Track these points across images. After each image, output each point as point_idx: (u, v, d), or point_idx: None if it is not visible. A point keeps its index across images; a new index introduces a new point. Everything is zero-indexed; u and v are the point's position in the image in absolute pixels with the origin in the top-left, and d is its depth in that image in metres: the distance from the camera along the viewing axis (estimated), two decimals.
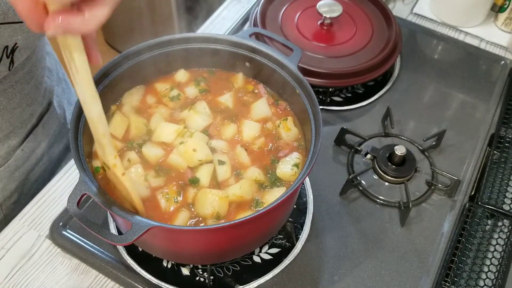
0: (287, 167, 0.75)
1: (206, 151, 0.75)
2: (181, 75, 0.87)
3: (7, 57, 0.75)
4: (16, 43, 0.75)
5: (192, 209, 0.72)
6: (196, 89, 0.86)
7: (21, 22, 0.73)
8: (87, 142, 0.71)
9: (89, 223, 0.60)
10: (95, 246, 0.83)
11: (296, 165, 0.75)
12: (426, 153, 1.00)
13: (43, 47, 0.96)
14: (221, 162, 0.75)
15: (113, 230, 0.86)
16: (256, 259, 0.83)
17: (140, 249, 0.82)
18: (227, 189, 0.73)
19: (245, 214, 0.71)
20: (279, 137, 0.80)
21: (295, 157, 0.76)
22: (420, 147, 1.00)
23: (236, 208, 0.72)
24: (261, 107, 0.83)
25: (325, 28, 1.13)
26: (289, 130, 0.80)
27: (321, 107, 0.76)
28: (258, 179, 0.75)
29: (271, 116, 0.83)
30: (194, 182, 0.74)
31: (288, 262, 0.83)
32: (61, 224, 0.85)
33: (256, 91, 0.86)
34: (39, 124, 0.95)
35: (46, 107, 0.97)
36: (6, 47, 0.74)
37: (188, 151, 0.75)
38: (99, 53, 0.53)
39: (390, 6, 1.30)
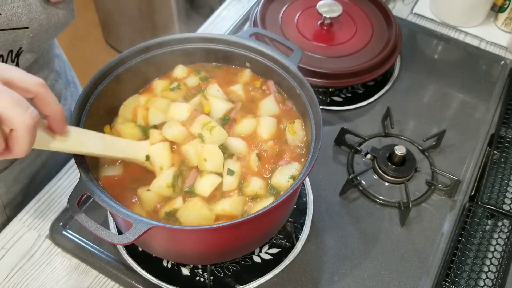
0: (283, 178, 0.73)
1: (217, 163, 0.73)
2: (179, 70, 0.85)
3: (12, 61, 0.75)
4: (21, 47, 0.74)
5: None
6: (196, 77, 0.85)
7: (26, 28, 0.72)
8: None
9: (89, 223, 0.60)
10: (95, 246, 0.83)
11: (293, 177, 0.72)
12: (426, 153, 1.00)
13: (52, 50, 0.95)
14: (230, 172, 0.73)
15: (113, 230, 0.86)
16: (256, 259, 0.83)
17: (140, 249, 0.82)
18: (217, 203, 0.71)
19: None
20: (285, 141, 0.78)
21: (294, 168, 0.74)
22: (420, 147, 1.00)
23: (221, 220, 0.71)
24: (269, 104, 0.81)
25: (325, 28, 1.13)
26: (294, 133, 0.78)
27: (321, 107, 0.76)
28: (258, 193, 0.72)
29: (279, 115, 0.82)
30: (190, 193, 0.72)
31: (288, 262, 0.83)
32: (61, 224, 0.85)
33: (264, 87, 0.85)
34: None
35: None
36: (11, 51, 0.74)
37: (200, 157, 0.73)
38: (63, 126, 0.61)
39: (390, 6, 1.30)
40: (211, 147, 0.74)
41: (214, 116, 0.79)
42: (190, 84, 0.84)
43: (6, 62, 0.74)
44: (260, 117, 0.80)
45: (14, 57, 0.75)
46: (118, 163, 0.75)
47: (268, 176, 0.75)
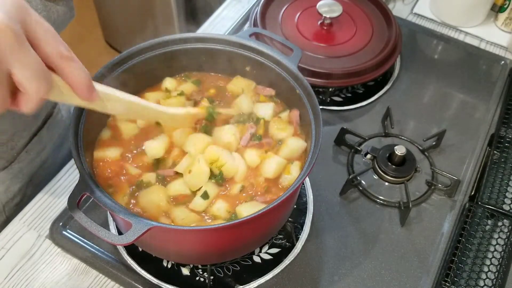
0: (248, 211, 0.70)
1: (195, 183, 0.71)
2: (168, 82, 0.85)
3: None
4: None
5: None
6: (188, 82, 0.85)
7: None
8: (87, 141, 0.71)
9: (89, 223, 0.60)
10: (95, 246, 0.83)
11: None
12: (426, 153, 1.00)
13: None
14: (205, 196, 0.71)
15: (113, 230, 0.86)
16: (256, 259, 0.83)
17: (140, 249, 0.82)
18: (175, 207, 0.70)
19: None
20: (278, 181, 0.75)
21: (263, 205, 0.71)
22: (420, 147, 1.00)
23: None
24: (295, 146, 0.76)
25: (325, 28, 1.13)
26: (289, 173, 0.74)
27: (321, 107, 0.76)
28: (215, 214, 0.71)
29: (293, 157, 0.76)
30: (161, 180, 0.73)
31: (288, 262, 0.83)
32: (61, 224, 0.85)
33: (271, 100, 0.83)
34: (44, 127, 0.94)
35: (51, 109, 0.97)
36: None
37: (190, 164, 0.73)
38: (89, 94, 0.54)
39: (390, 6, 1.30)
40: (203, 169, 0.72)
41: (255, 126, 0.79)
42: (186, 91, 0.84)
43: None
44: (276, 154, 0.76)
45: None
46: (113, 146, 0.77)
47: (237, 203, 0.72)
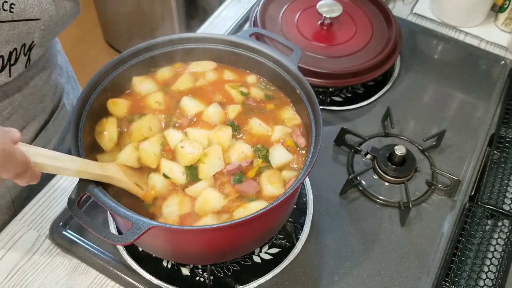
0: (242, 213, 0.70)
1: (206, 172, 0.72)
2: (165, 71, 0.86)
3: (25, 55, 0.76)
4: (33, 41, 0.76)
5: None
6: (213, 73, 0.86)
7: (38, 20, 0.73)
8: (88, 141, 0.71)
9: (89, 223, 0.60)
10: (95, 246, 0.83)
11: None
12: (426, 153, 1.00)
13: (55, 45, 0.97)
14: (192, 175, 0.73)
15: (113, 230, 0.86)
16: (256, 259, 0.83)
17: (140, 249, 0.82)
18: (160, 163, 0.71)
19: None
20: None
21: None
22: (420, 147, 1.00)
23: None
24: (281, 156, 0.75)
25: (325, 28, 1.13)
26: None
27: (321, 107, 0.76)
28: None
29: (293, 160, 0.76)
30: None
31: (288, 262, 0.83)
32: (61, 224, 0.85)
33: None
34: (50, 121, 0.96)
35: (57, 103, 0.98)
36: (24, 44, 0.75)
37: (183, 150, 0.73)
38: None
39: (390, 6, 1.30)
40: (217, 150, 0.73)
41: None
42: (209, 77, 0.85)
43: (19, 56, 0.75)
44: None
45: (26, 51, 0.76)
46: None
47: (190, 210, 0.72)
